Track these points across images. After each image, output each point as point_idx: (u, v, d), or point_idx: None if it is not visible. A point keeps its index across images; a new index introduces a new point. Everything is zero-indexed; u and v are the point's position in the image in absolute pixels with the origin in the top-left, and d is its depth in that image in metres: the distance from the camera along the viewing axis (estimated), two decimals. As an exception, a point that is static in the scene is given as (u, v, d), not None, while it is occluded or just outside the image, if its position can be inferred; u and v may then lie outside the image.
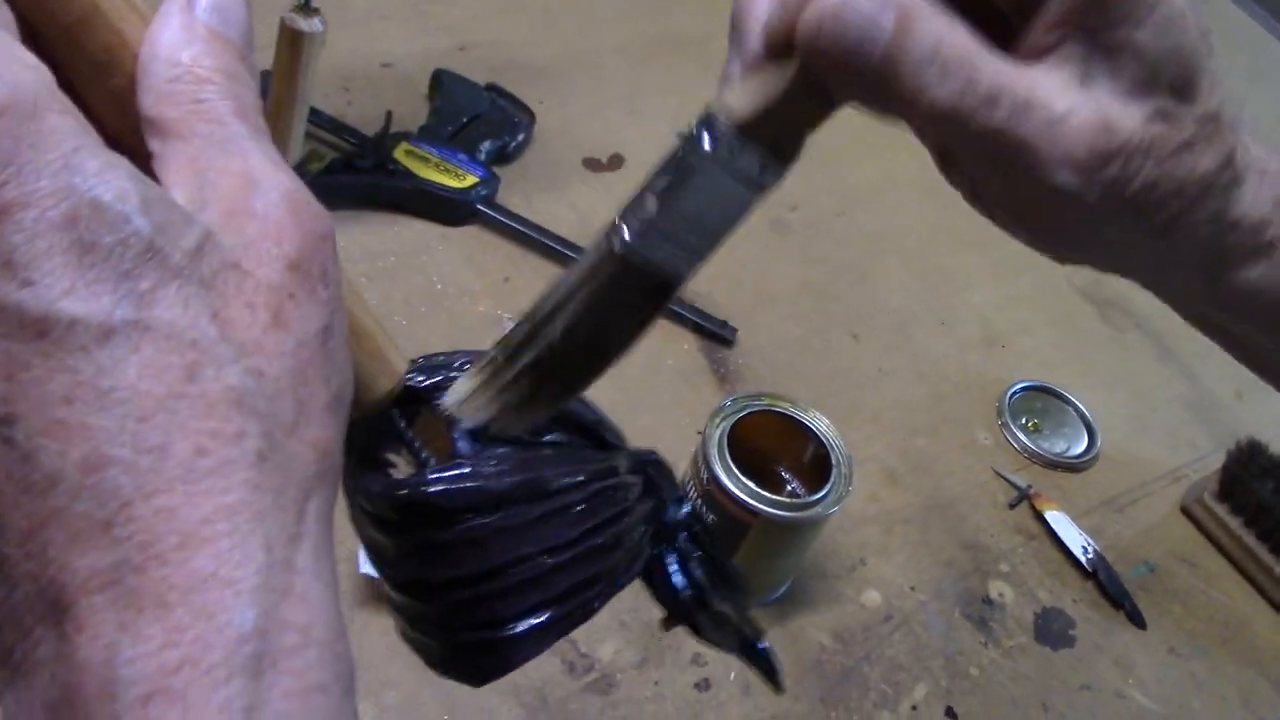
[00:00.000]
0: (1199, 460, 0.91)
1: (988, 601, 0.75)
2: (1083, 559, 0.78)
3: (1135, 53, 0.30)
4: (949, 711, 0.68)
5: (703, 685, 0.64)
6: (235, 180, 0.24)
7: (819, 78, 0.30)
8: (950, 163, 0.36)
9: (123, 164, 0.22)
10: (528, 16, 1.10)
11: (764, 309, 0.89)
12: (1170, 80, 0.31)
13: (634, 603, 0.66)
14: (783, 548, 0.66)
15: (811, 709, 0.65)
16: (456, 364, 0.34)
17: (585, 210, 0.92)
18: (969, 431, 0.87)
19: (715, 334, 0.84)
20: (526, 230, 0.85)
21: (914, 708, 0.67)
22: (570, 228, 0.87)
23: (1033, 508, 0.82)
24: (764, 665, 0.41)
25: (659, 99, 1.06)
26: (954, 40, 0.29)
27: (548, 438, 0.35)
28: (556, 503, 0.33)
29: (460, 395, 0.33)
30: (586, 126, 1.00)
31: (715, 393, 0.81)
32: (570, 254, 0.85)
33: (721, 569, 0.39)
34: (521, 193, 0.90)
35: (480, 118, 0.92)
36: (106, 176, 0.21)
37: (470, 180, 0.85)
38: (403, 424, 0.33)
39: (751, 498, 0.62)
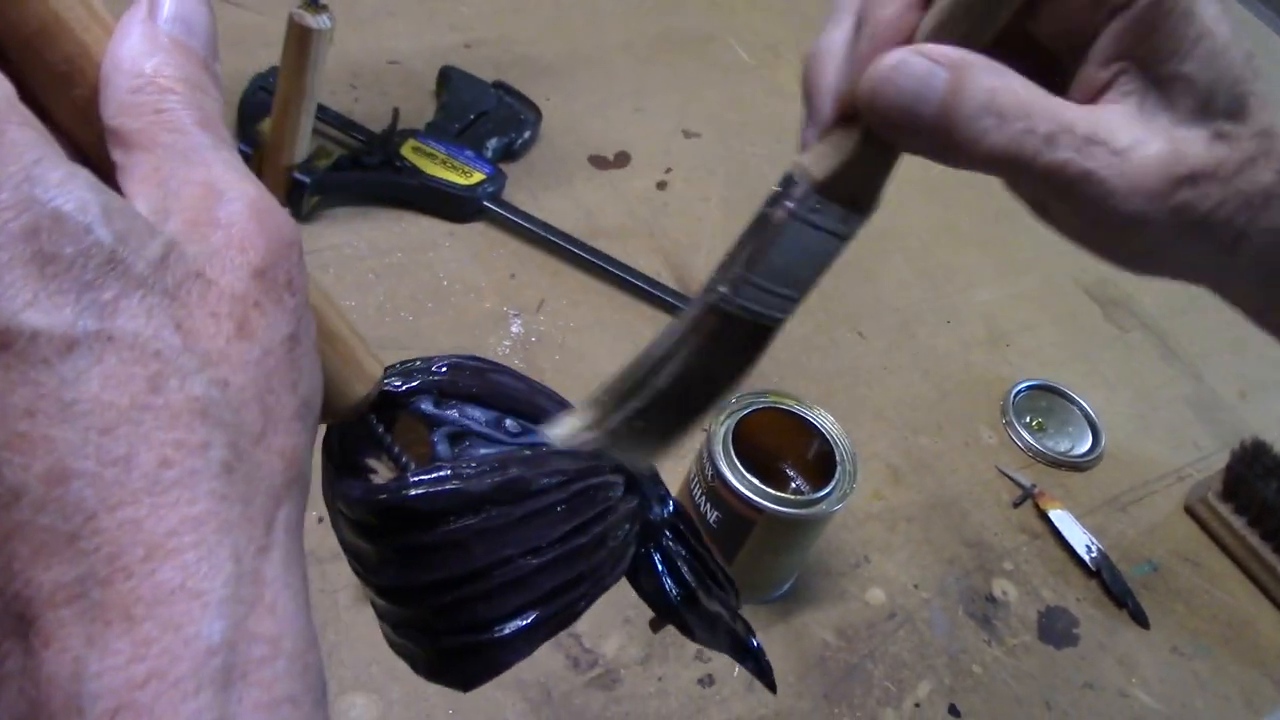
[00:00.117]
0: (1203, 460, 0.91)
1: (991, 600, 0.75)
2: (1086, 558, 0.78)
3: (1187, 83, 0.32)
4: (952, 709, 0.68)
5: (706, 681, 0.64)
6: (198, 190, 0.24)
7: (882, 134, 0.32)
8: (1016, 186, 0.38)
9: (84, 175, 0.22)
10: (534, 14, 1.10)
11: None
12: (1224, 106, 0.32)
13: (638, 599, 0.66)
14: (787, 544, 0.66)
15: (815, 706, 0.65)
16: (434, 367, 0.34)
17: (591, 207, 0.92)
18: (973, 430, 0.87)
19: (720, 331, 0.85)
20: (533, 227, 0.85)
21: (917, 705, 0.67)
22: (576, 224, 0.87)
23: (1036, 506, 0.82)
24: (755, 664, 0.41)
25: (664, 97, 1.06)
26: (1008, 88, 0.31)
27: (530, 439, 0.35)
28: (538, 503, 0.32)
29: (566, 435, 0.35)
30: (592, 124, 1.00)
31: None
32: (576, 250, 0.85)
33: (709, 568, 0.39)
34: (528, 190, 0.91)
35: (487, 115, 0.92)
36: (68, 187, 0.21)
37: (477, 177, 0.86)
38: (381, 429, 0.33)
39: (756, 494, 0.62)
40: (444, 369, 0.34)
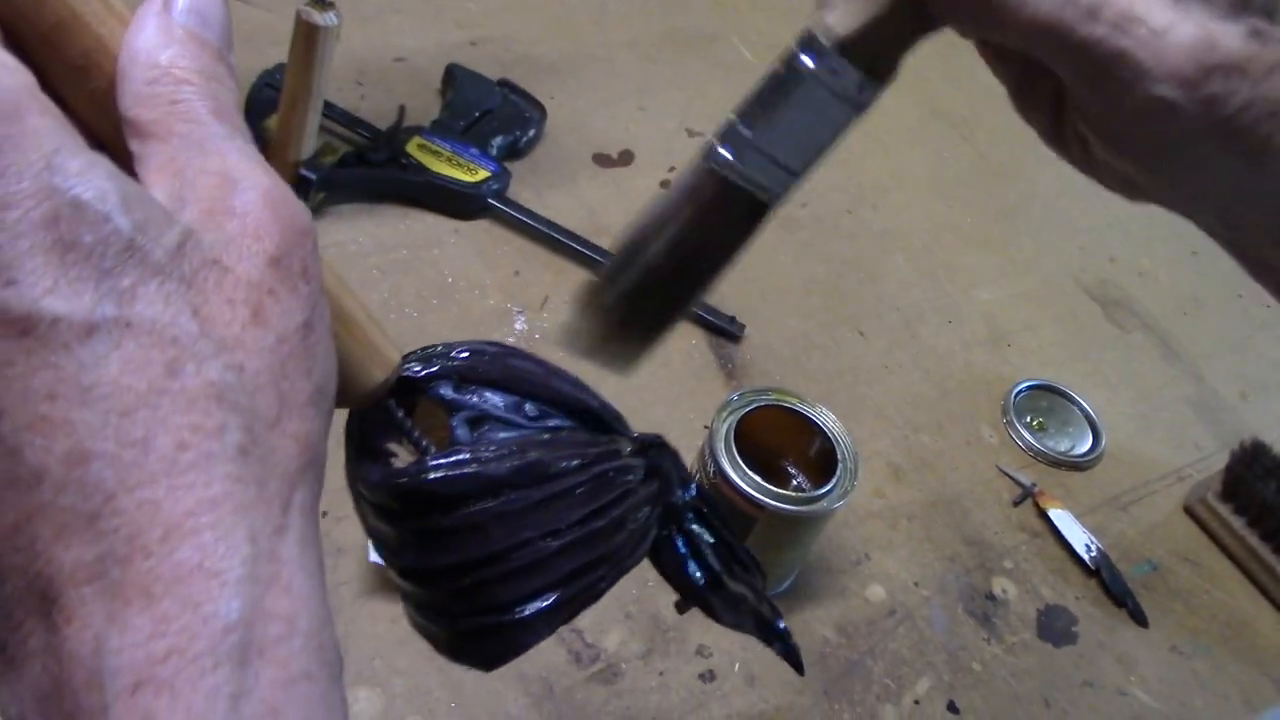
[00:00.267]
0: (1203, 460, 0.92)
1: (991, 598, 0.75)
2: (1086, 557, 0.79)
3: None
4: (951, 706, 0.68)
5: (707, 676, 0.65)
6: (214, 179, 0.24)
7: None
8: (1029, 95, 0.37)
9: (103, 164, 0.22)
10: (539, 12, 1.10)
11: (771, 305, 0.90)
12: (1260, 3, 0.32)
13: (639, 594, 0.67)
14: (788, 541, 0.66)
15: (815, 702, 0.66)
16: (453, 353, 0.34)
17: (595, 205, 0.92)
18: (974, 429, 0.87)
19: (723, 329, 0.85)
20: (537, 225, 0.86)
21: (916, 702, 0.68)
22: (580, 222, 0.88)
23: (1036, 505, 0.82)
24: (783, 645, 0.41)
25: (668, 95, 1.07)
26: None
27: (549, 423, 0.35)
28: (557, 486, 0.33)
29: (565, 324, 0.33)
30: (597, 122, 1.00)
31: (722, 387, 0.82)
32: (580, 249, 0.86)
33: (733, 550, 0.39)
34: (532, 187, 0.91)
35: (492, 112, 0.93)
36: (87, 176, 0.21)
37: (482, 174, 0.86)
38: (400, 413, 0.33)
39: (757, 491, 0.62)
40: (464, 354, 0.34)
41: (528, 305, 0.82)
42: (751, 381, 0.83)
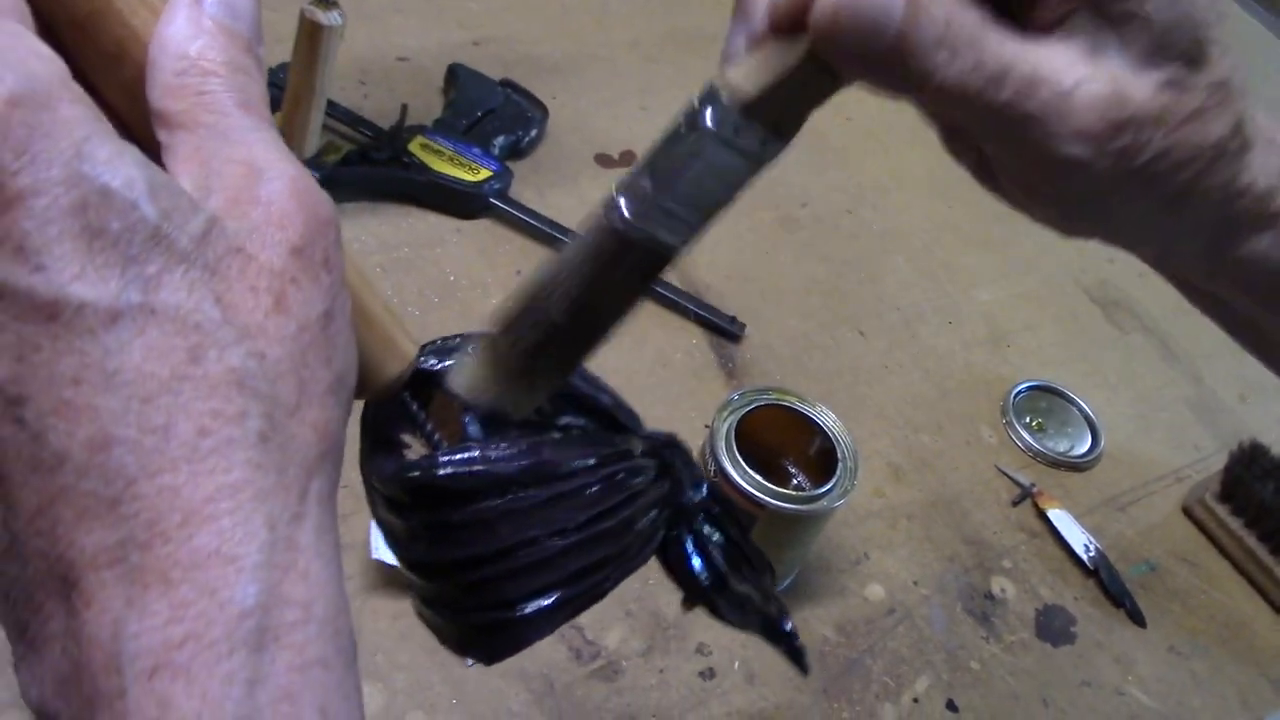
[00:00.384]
0: (1201, 461, 0.92)
1: (990, 597, 0.76)
2: (1084, 557, 0.79)
3: (1144, 22, 0.30)
4: (950, 704, 0.69)
5: (707, 674, 0.65)
6: (239, 168, 0.25)
7: (828, 59, 0.30)
8: (956, 139, 0.37)
9: (131, 152, 0.22)
10: (542, 12, 1.11)
11: (772, 305, 0.90)
12: (1180, 49, 0.31)
13: (640, 592, 0.67)
14: (788, 540, 0.67)
15: (814, 700, 0.66)
16: (470, 347, 0.35)
17: (597, 205, 0.92)
18: (973, 429, 0.87)
19: (723, 329, 0.85)
20: (539, 224, 0.86)
21: (915, 700, 0.68)
22: (582, 222, 0.88)
23: (1035, 505, 0.82)
24: (788, 645, 0.42)
25: (670, 95, 1.07)
26: (963, 20, 0.29)
27: (562, 422, 0.35)
28: (566, 486, 0.33)
29: (464, 375, 0.33)
30: (599, 122, 1.01)
31: (723, 387, 0.82)
32: (581, 248, 0.86)
33: (742, 550, 0.39)
34: (534, 187, 0.91)
35: (494, 112, 0.93)
36: (115, 164, 0.22)
37: (484, 174, 0.86)
38: (415, 406, 0.33)
39: (758, 490, 0.63)
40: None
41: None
42: (752, 381, 0.83)
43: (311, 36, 0.72)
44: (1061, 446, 0.88)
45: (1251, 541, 0.83)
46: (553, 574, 0.33)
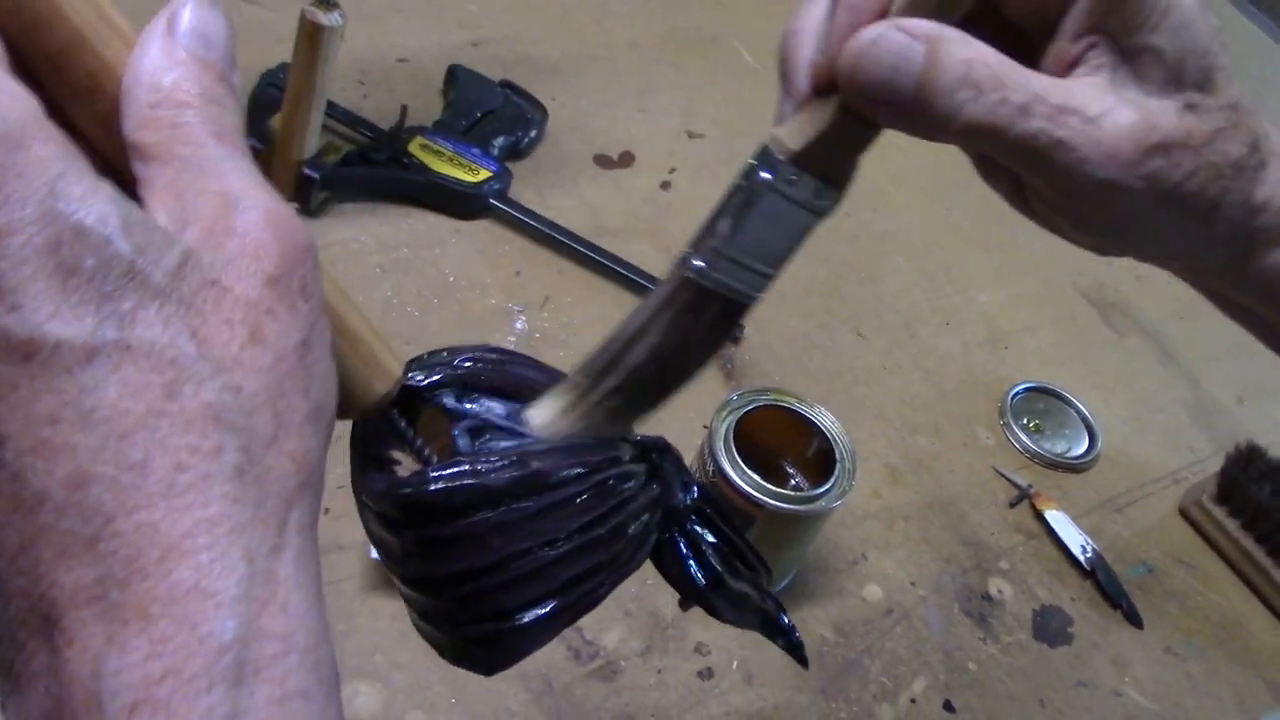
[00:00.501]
0: (1198, 463, 0.92)
1: (987, 598, 0.76)
2: (1081, 558, 0.79)
3: (1156, 54, 0.32)
4: (947, 705, 0.69)
5: (705, 674, 0.65)
6: (215, 200, 0.25)
7: (857, 108, 0.32)
8: (990, 168, 0.38)
9: (105, 188, 0.22)
10: (541, 13, 1.11)
11: (771, 306, 0.90)
12: (1192, 78, 0.33)
13: (639, 592, 0.67)
14: (786, 540, 0.67)
15: (812, 700, 0.66)
16: (456, 361, 0.35)
17: (596, 205, 0.93)
18: (971, 430, 0.88)
19: (722, 330, 0.85)
20: (538, 225, 0.86)
21: (913, 701, 0.68)
22: (581, 223, 0.88)
23: (1033, 507, 0.83)
24: (787, 640, 0.42)
25: (668, 97, 1.07)
26: (983, 61, 0.31)
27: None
28: (556, 496, 0.33)
29: (546, 419, 0.35)
30: (598, 123, 1.01)
31: (722, 387, 0.82)
32: (580, 248, 0.86)
33: (738, 549, 0.39)
34: (533, 188, 0.91)
35: (494, 113, 0.93)
36: (89, 201, 0.21)
37: (483, 175, 0.86)
38: (403, 423, 0.34)
39: (757, 490, 0.63)
40: (466, 362, 0.35)
41: (528, 305, 0.82)
42: (751, 382, 0.83)
43: (312, 37, 0.72)
44: (1059, 448, 0.89)
45: (1248, 543, 0.83)
46: (546, 584, 0.34)
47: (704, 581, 0.38)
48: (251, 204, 0.25)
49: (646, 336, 0.35)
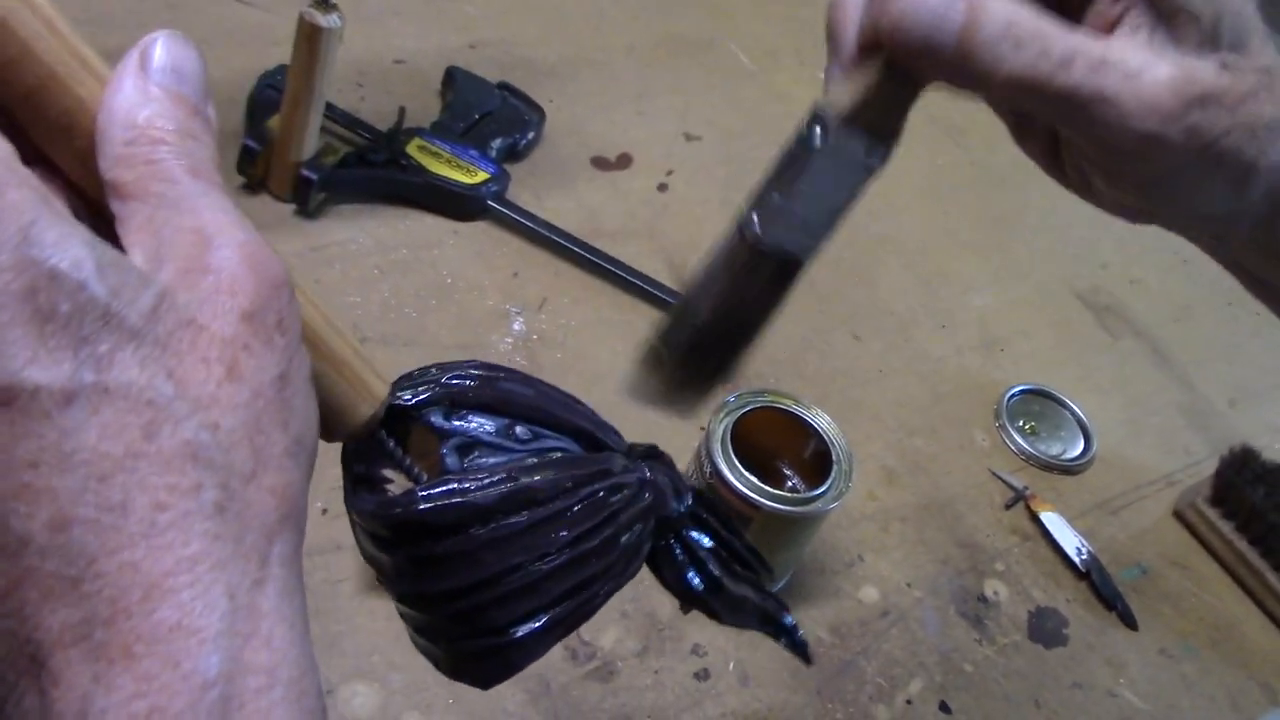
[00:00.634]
0: (1193, 465, 0.93)
1: (983, 600, 0.76)
2: (1077, 560, 0.80)
3: (1192, 16, 0.33)
4: (943, 706, 0.69)
5: (702, 675, 0.65)
6: (190, 237, 0.25)
7: (904, 65, 0.34)
8: (1026, 131, 0.39)
9: (79, 232, 0.22)
10: (539, 16, 1.11)
11: (767, 308, 0.91)
12: (1228, 39, 0.34)
13: (636, 593, 0.67)
14: (783, 542, 0.67)
15: (808, 701, 0.66)
16: (444, 378, 0.35)
17: (593, 207, 0.93)
18: (967, 432, 0.88)
19: (719, 332, 0.86)
20: (536, 226, 0.86)
21: (909, 702, 0.68)
22: (578, 224, 0.89)
23: (1028, 509, 0.83)
24: (790, 639, 0.42)
25: (666, 99, 1.08)
26: (1022, 16, 0.32)
27: (541, 445, 0.35)
28: (546, 510, 0.33)
29: (632, 384, 0.37)
30: (595, 125, 1.01)
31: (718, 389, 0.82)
32: (578, 250, 0.86)
33: (736, 552, 0.39)
34: (531, 189, 0.92)
35: (491, 115, 0.93)
36: (63, 246, 0.22)
37: (481, 176, 0.87)
38: (392, 443, 0.34)
39: (753, 492, 0.63)
40: (454, 379, 0.35)
41: (526, 306, 0.83)
42: (748, 383, 0.83)
43: (310, 39, 0.72)
44: (1054, 450, 0.89)
45: (1242, 545, 0.83)
46: (540, 598, 0.34)
47: (702, 587, 0.39)
48: (226, 240, 0.25)
49: (709, 296, 0.37)
